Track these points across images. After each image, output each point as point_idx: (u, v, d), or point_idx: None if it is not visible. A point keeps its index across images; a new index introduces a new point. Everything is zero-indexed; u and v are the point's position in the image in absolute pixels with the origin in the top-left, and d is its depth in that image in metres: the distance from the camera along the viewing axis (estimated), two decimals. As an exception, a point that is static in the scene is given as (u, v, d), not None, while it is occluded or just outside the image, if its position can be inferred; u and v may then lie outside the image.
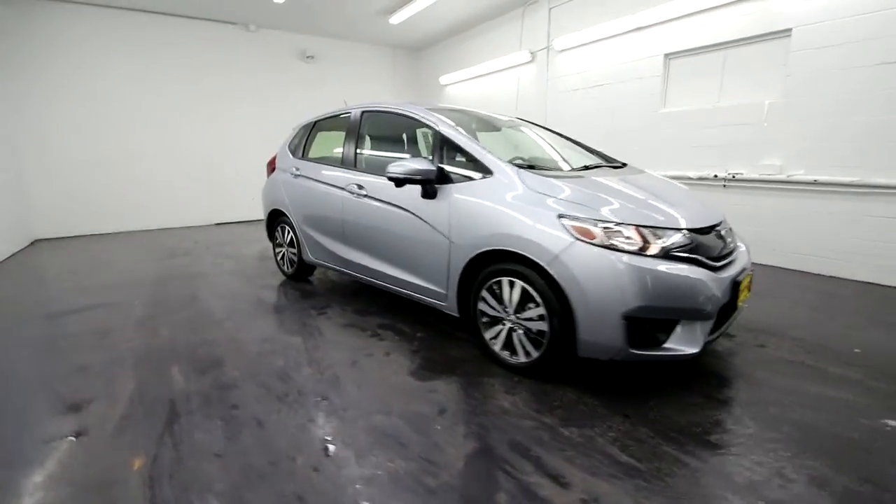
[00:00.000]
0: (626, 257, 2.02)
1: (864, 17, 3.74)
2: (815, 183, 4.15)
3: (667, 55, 5.23)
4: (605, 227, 2.08)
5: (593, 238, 2.07)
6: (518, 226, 2.26)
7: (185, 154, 7.63)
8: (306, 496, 1.59)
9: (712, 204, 2.70)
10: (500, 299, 2.41)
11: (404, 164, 2.66)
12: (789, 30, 4.19)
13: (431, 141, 2.88)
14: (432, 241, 2.71)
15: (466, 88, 8.48)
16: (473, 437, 1.91)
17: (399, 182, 2.75)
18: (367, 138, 3.55)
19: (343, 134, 3.67)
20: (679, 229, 2.15)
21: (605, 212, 2.14)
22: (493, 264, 2.43)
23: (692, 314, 2.05)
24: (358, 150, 3.45)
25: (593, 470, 1.70)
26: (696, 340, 2.08)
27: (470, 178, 2.59)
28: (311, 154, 4.04)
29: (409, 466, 1.73)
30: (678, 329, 2.08)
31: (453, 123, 2.82)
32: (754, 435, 1.91)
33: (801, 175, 4.25)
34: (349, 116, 3.61)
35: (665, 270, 2.01)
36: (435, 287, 2.78)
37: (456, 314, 2.72)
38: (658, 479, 1.64)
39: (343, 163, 3.52)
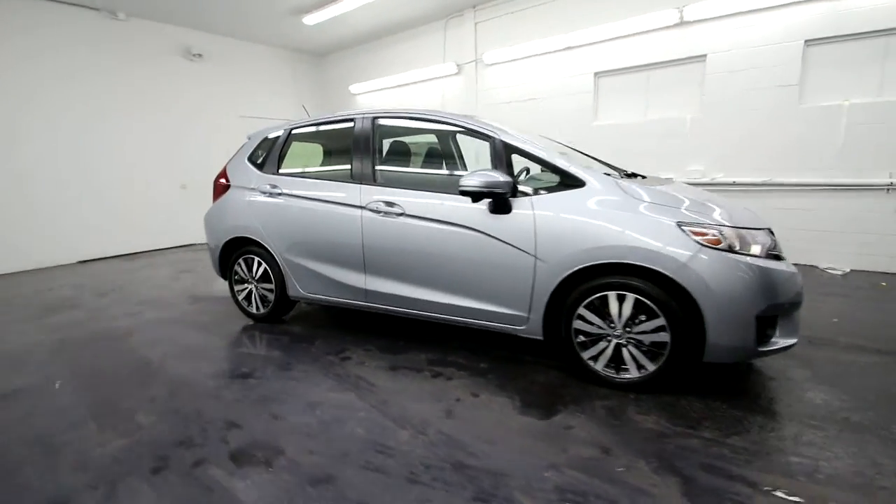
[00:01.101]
0: (749, 259, 2.09)
1: (764, 48, 4.64)
2: (734, 184, 4.99)
3: (596, 73, 5.75)
4: (725, 232, 2.12)
5: (718, 244, 2.09)
6: (635, 237, 2.17)
7: (31, 176, 5.73)
8: None
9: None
10: (603, 315, 2.29)
11: (481, 175, 2.36)
12: (705, 55, 4.97)
13: (491, 151, 2.61)
14: (510, 261, 2.45)
15: (382, 98, 8.12)
16: (666, 471, 1.74)
17: (476, 196, 2.43)
18: (386, 149, 3.08)
19: (341, 144, 3.14)
20: (766, 229, 2.32)
21: (716, 217, 2.19)
22: (591, 280, 2.30)
23: (794, 307, 2.22)
24: (377, 163, 2.96)
25: (805, 474, 1.69)
26: (795, 331, 2.25)
27: (548, 190, 2.42)
28: (290, 168, 3.35)
29: (644, 523, 1.49)
30: (779, 323, 2.23)
31: (514, 132, 2.61)
32: (828, 404, 2.13)
33: (721, 177, 5.06)
34: (353, 124, 3.09)
35: (778, 268, 2.14)
36: (510, 311, 2.52)
37: (539, 337, 2.50)
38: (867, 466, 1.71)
39: (355, 177, 2.99)
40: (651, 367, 2.25)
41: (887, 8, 4.00)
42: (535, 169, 2.62)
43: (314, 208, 3.09)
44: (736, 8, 4.63)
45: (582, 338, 2.38)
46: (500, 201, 2.44)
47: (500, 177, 2.36)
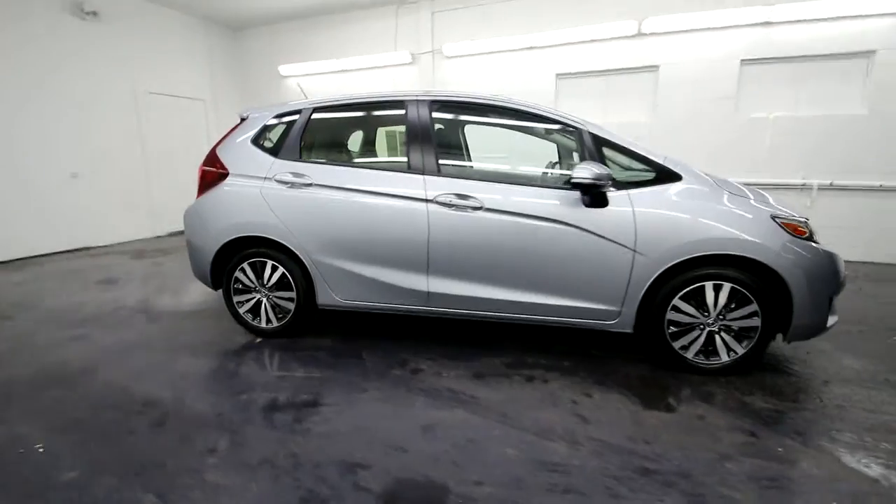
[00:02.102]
0: (822, 246, 2.36)
1: (708, 64, 5.30)
2: (681, 182, 5.63)
3: (558, 75, 6.01)
4: (804, 223, 2.36)
5: (803, 234, 2.32)
6: (740, 230, 2.30)
7: None
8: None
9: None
10: (697, 305, 2.39)
11: (594, 168, 2.27)
12: (658, 66, 5.51)
13: (579, 144, 2.53)
14: (607, 256, 2.42)
15: (319, 83, 7.41)
16: (812, 442, 1.88)
17: (587, 190, 2.32)
18: (451, 138, 2.77)
19: (385, 129, 2.77)
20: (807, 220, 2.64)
21: (787, 209, 2.42)
22: (687, 271, 2.38)
23: (842, 287, 2.56)
24: (439, 152, 2.66)
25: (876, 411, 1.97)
26: (835, 311, 2.61)
27: (643, 184, 2.44)
28: (319, 154, 2.84)
29: None
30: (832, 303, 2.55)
31: (599, 125, 2.56)
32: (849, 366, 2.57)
33: (671, 177, 5.68)
34: (405, 108, 2.73)
35: (837, 253, 2.45)
36: (602, 306, 2.49)
37: (629, 330, 2.52)
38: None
39: (413, 167, 2.64)
40: (740, 351, 2.41)
41: (800, 40, 4.88)
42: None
43: (363, 202, 2.67)
44: (686, 25, 5.22)
45: (673, 328, 2.45)
46: (600, 195, 2.38)
47: (603, 169, 2.30)
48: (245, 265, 2.89)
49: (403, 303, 2.75)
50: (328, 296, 2.82)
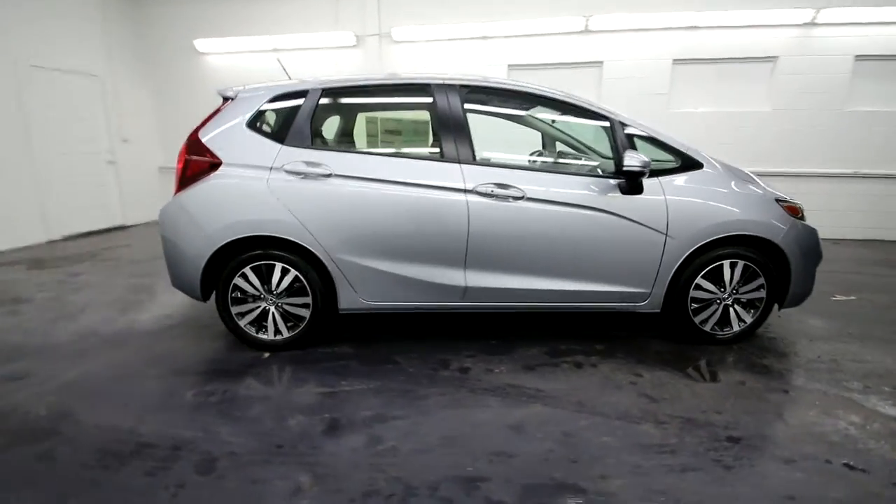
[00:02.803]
0: (810, 224, 2.72)
1: (645, 61, 5.78)
2: (624, 171, 6.12)
3: (510, 66, 6.10)
4: (799, 205, 2.70)
5: (798, 214, 2.65)
6: (755, 212, 2.55)
7: None
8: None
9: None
10: (717, 282, 2.62)
11: (638, 156, 2.34)
12: (602, 62, 5.87)
13: (611, 133, 2.58)
14: (641, 241, 2.53)
15: (246, 63, 6.62)
16: (840, 393, 2.19)
17: (634, 177, 2.38)
18: (482, 124, 2.62)
19: (408, 114, 2.55)
20: None
21: (782, 193, 2.75)
22: (709, 251, 2.59)
23: None
24: (473, 140, 2.52)
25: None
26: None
27: (669, 172, 2.58)
28: (334, 141, 2.52)
29: None
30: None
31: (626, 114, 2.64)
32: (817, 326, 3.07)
33: (614, 166, 6.14)
34: (433, 91, 2.55)
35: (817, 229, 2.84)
36: (634, 289, 2.61)
37: (657, 310, 2.68)
38: None
39: (447, 156, 2.48)
40: (749, 321, 2.71)
41: (721, 44, 5.56)
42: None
43: (394, 193, 2.44)
44: (627, 25, 5.63)
45: (694, 305, 2.66)
46: (637, 183, 2.47)
47: (649, 159, 2.39)
48: (247, 270, 2.49)
49: (437, 300, 2.60)
50: (352, 298, 2.55)
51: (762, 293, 2.65)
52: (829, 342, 2.80)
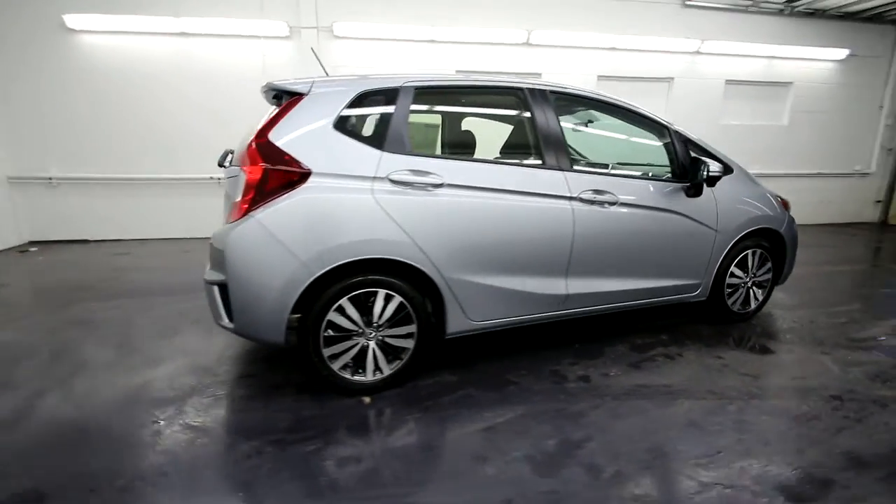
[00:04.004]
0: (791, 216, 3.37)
1: (576, 76, 6.38)
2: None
3: (457, 71, 6.12)
4: (787, 200, 3.31)
5: (788, 207, 3.26)
6: (769, 208, 3.07)
7: None
8: None
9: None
10: (744, 268, 3.08)
11: (717, 163, 2.64)
12: (541, 73, 6.30)
13: (670, 141, 2.80)
14: (699, 237, 2.85)
15: (140, 47, 5.34)
16: (843, 355, 2.78)
17: (707, 182, 2.63)
18: (569, 131, 2.56)
19: (500, 119, 2.42)
20: None
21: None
22: (738, 245, 3.03)
23: None
24: (571, 144, 2.49)
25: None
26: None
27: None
28: (433, 147, 2.23)
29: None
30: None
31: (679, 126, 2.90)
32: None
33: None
34: (527, 96, 2.46)
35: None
36: (690, 281, 2.92)
37: (704, 298, 3.03)
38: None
39: (548, 163, 2.41)
40: (760, 299, 3.25)
41: (633, 65, 6.46)
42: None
43: (507, 204, 2.29)
44: (561, 42, 6.15)
45: (728, 290, 3.09)
46: (700, 186, 2.76)
47: (721, 165, 2.70)
48: (344, 301, 2.06)
49: (539, 311, 2.52)
50: (460, 320, 2.31)
51: (769, 275, 3.21)
52: (802, 309, 3.51)
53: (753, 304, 3.24)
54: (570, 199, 2.44)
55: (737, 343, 2.89)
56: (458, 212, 2.21)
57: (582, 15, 6.13)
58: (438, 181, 2.17)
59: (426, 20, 5.80)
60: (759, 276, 3.17)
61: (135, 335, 2.92)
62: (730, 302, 3.12)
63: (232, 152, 2.50)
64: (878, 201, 7.63)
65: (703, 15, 6.42)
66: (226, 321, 2.07)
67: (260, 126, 2.04)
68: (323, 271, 1.97)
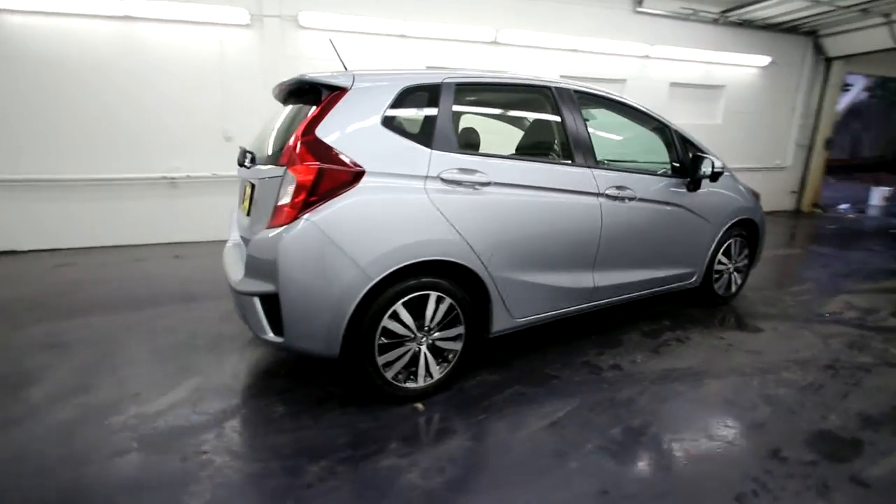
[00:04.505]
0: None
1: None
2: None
3: (427, 67, 6.04)
4: (758, 192, 3.66)
5: (758, 197, 3.61)
6: (747, 199, 3.39)
7: None
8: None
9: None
10: (728, 255, 3.38)
11: (717, 160, 2.83)
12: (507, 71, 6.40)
13: (669, 139, 2.99)
14: (697, 228, 3.09)
15: (79, 31, 4.68)
16: (846, 325, 3.16)
17: (707, 178, 2.84)
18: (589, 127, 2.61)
19: (529, 116, 2.48)
20: None
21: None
22: (725, 234, 3.32)
23: None
24: (594, 142, 2.56)
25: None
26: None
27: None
28: (475, 144, 2.20)
29: None
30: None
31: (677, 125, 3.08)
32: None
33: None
34: (555, 94, 2.52)
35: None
36: (689, 269, 3.16)
37: (698, 285, 3.28)
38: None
39: (577, 160, 2.47)
40: (740, 282, 3.58)
41: (592, 66, 6.78)
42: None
43: (546, 201, 2.34)
44: (527, 42, 6.30)
45: (715, 275, 3.37)
46: (699, 182, 2.97)
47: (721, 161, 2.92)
48: (398, 306, 1.98)
49: (571, 304, 2.60)
50: (504, 319, 2.32)
51: (746, 261, 3.56)
52: (777, 287, 3.93)
53: (734, 288, 3.57)
54: (598, 195, 2.53)
55: (731, 324, 3.17)
56: (503, 210, 2.21)
57: (546, 17, 6.32)
58: (485, 179, 2.15)
59: (398, 14, 5.68)
60: (739, 262, 3.50)
61: (122, 357, 2.59)
62: (716, 287, 3.42)
63: (249, 151, 2.28)
64: (794, 192, 8.70)
65: (652, 21, 6.90)
66: (270, 335, 1.90)
67: (305, 122, 1.89)
68: (382, 275, 1.88)
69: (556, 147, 2.53)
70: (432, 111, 2.11)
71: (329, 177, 1.82)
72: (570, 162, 2.50)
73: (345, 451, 1.81)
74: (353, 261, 1.84)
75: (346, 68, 2.47)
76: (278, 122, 2.41)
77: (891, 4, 6.25)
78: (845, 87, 8.82)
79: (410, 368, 2.11)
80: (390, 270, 1.90)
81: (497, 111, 2.84)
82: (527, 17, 6.22)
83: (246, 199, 2.41)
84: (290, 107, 2.44)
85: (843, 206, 9.27)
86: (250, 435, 1.92)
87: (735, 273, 3.52)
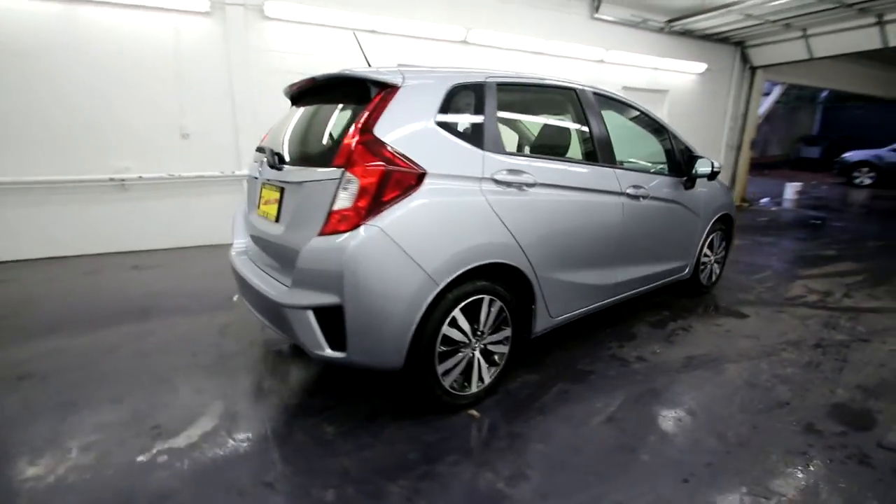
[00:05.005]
0: (728, 204, 4.08)
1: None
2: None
3: (399, 65, 5.89)
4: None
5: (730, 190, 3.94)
6: (725, 195, 3.71)
7: None
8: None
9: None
10: (711, 248, 3.66)
11: (714, 161, 3.04)
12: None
13: (667, 141, 3.16)
14: (691, 223, 3.33)
15: (8, 13, 4.02)
16: (824, 307, 3.52)
17: (712, 177, 3.05)
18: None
19: (556, 117, 2.51)
20: None
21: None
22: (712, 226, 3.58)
23: None
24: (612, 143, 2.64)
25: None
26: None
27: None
28: (514, 145, 2.19)
29: None
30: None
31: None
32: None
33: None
34: (580, 96, 2.56)
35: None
36: (683, 262, 3.38)
37: (689, 277, 3.50)
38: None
39: (602, 160, 2.54)
40: (718, 272, 3.89)
41: (553, 70, 7.01)
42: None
43: (581, 201, 2.39)
44: (495, 43, 6.37)
45: (701, 267, 3.64)
46: (695, 180, 3.17)
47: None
48: (457, 312, 1.92)
49: (597, 300, 2.68)
50: (544, 318, 2.34)
51: (724, 252, 3.87)
52: (746, 272, 4.31)
53: (713, 278, 3.87)
54: (621, 194, 2.63)
55: (720, 312, 3.43)
56: (547, 210, 2.22)
57: (514, 20, 6.44)
58: (532, 180, 2.14)
59: (368, 7, 5.49)
60: (718, 253, 3.81)
61: (117, 385, 2.28)
62: (701, 277, 3.69)
63: (276, 152, 2.09)
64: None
65: (607, 28, 7.26)
66: (328, 351, 1.76)
67: (361, 121, 1.76)
68: (448, 281, 1.81)
69: (585, 148, 2.59)
70: (480, 111, 2.08)
71: (394, 179, 1.72)
72: (597, 163, 2.57)
73: (419, 466, 1.73)
74: (420, 267, 1.75)
75: (369, 64, 2.35)
76: (302, 123, 2.25)
77: (808, 20, 7.09)
78: (766, 94, 9.85)
79: (465, 377, 2.06)
80: (455, 275, 1.84)
81: (531, 112, 2.84)
82: (496, 18, 6.30)
83: (266, 202, 2.21)
84: (304, 107, 2.30)
85: (764, 199, 10.38)
86: (308, 459, 1.77)
87: (715, 264, 3.83)
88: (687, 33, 7.90)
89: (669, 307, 3.49)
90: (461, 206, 1.89)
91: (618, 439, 1.91)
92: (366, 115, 1.79)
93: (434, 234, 1.81)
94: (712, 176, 3.17)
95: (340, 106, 2.07)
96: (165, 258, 4.68)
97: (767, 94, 10.59)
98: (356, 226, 1.69)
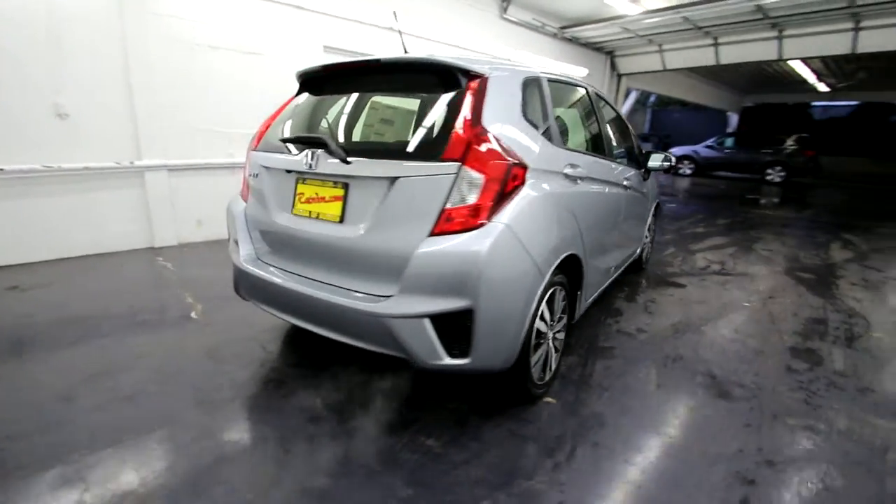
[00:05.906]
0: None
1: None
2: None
3: (325, 47, 5.44)
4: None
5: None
6: (656, 185, 4.27)
7: None
8: None
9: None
10: (649, 230, 4.27)
11: (669, 155, 3.52)
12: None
13: (627, 133, 3.56)
14: (646, 210, 3.85)
15: None
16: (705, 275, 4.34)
17: (668, 170, 3.49)
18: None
19: (575, 112, 2.63)
20: None
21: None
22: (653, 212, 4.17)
23: None
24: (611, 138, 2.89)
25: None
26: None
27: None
28: (562, 140, 2.25)
29: None
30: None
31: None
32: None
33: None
34: (585, 93, 2.72)
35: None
36: (638, 244, 3.87)
37: (639, 256, 4.04)
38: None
39: (608, 154, 2.80)
40: (649, 251, 4.55)
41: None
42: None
43: (606, 192, 2.61)
44: (421, 33, 6.31)
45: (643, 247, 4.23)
46: (650, 172, 3.65)
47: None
48: (543, 304, 1.96)
49: (602, 284, 2.93)
50: (582, 305, 2.49)
51: (653, 234, 4.56)
52: (652, 254, 5.09)
53: (647, 256, 4.53)
54: (621, 185, 2.92)
55: (664, 283, 4.05)
56: (592, 202, 2.38)
57: (440, 11, 6.45)
58: (584, 174, 2.26)
59: (290, -19, 4.95)
60: (652, 236, 4.47)
61: (109, 419, 1.78)
62: (643, 256, 4.30)
63: (337, 141, 1.81)
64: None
65: (513, 29, 7.75)
66: (447, 360, 1.64)
67: (469, 112, 1.65)
68: (549, 275, 1.83)
69: (599, 144, 2.79)
70: (544, 105, 2.11)
71: (514, 173, 1.67)
72: (606, 157, 2.81)
73: (544, 460, 1.75)
74: (535, 263, 1.74)
75: (406, 51, 2.20)
76: (356, 111, 2.02)
77: (665, 37, 8.57)
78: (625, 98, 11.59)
79: (544, 366, 2.12)
80: (553, 267, 1.87)
81: (568, 108, 2.93)
82: (423, 6, 6.23)
83: (314, 200, 1.92)
84: (345, 94, 2.07)
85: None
86: (436, 476, 1.64)
87: (649, 244, 4.48)
88: (574, 40, 8.87)
89: (627, 283, 4.00)
90: (551, 200, 1.92)
91: (681, 404, 2.18)
92: (471, 106, 1.70)
93: (539, 228, 1.81)
94: (668, 170, 3.71)
95: (419, 95, 1.91)
96: (53, 273, 3.64)
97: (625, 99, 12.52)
98: (481, 223, 1.61)
